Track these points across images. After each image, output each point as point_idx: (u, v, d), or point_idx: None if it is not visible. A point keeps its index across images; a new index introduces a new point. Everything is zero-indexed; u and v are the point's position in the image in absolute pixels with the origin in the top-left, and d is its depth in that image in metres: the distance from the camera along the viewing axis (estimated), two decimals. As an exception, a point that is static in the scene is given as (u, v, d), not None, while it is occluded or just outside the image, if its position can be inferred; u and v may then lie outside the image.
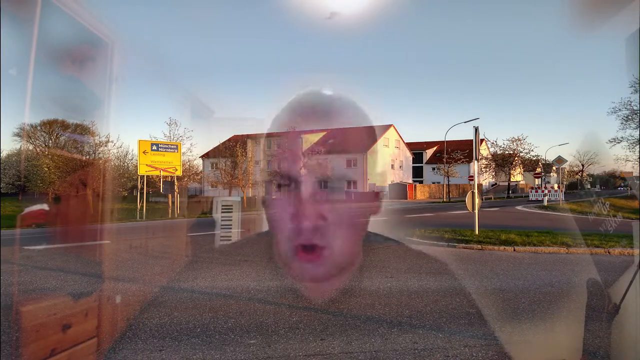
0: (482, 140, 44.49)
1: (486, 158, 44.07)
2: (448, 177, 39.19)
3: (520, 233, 10.58)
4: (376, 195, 0.80)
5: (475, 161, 11.62)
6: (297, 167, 0.71)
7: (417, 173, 55.26)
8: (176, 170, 20.64)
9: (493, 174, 45.64)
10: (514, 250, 9.07)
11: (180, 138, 24.60)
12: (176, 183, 21.03)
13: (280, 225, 0.72)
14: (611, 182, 69.56)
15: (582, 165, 50.56)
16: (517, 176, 48.80)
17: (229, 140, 30.11)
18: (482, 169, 43.47)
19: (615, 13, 1.03)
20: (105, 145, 23.91)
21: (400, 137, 48.07)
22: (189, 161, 30.41)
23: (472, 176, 13.11)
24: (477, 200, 10.95)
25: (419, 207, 25.77)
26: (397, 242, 0.94)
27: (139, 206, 19.59)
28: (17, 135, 23.19)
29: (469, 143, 36.19)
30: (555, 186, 28.27)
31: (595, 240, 9.36)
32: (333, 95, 0.78)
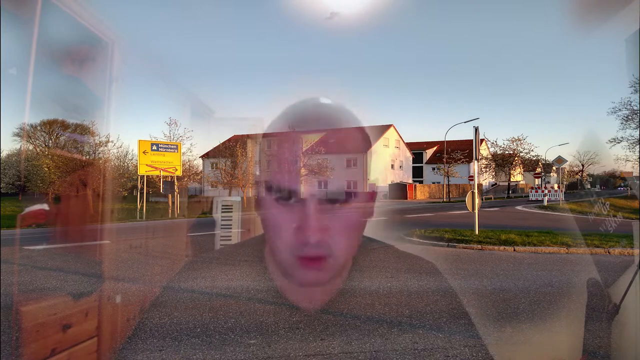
0: (482, 140, 44.49)
1: (486, 158, 44.07)
2: (448, 177, 39.18)
3: (520, 233, 10.58)
4: (371, 195, 0.77)
5: (475, 161, 11.62)
6: (295, 177, 0.70)
7: (417, 173, 55.26)
8: (176, 170, 20.63)
9: (493, 174, 45.64)
10: (514, 250, 9.07)
11: (180, 138, 24.58)
12: (176, 183, 21.03)
13: (281, 238, 0.70)
14: (611, 182, 69.54)
15: (582, 165, 50.54)
16: (517, 176, 48.79)
17: (229, 140, 30.11)
18: (482, 169, 43.46)
19: (615, 13, 1.03)
20: (105, 145, 23.86)
21: (400, 137, 48.08)
22: (189, 161, 30.40)
23: (472, 176, 13.11)
24: (477, 200, 10.95)
25: (419, 207, 25.77)
26: (382, 244, 0.93)
27: (139, 206, 19.59)
28: (17, 135, 23.18)
29: (469, 143, 36.20)
30: (555, 186, 28.25)
31: (595, 240, 9.35)
32: (330, 104, 0.77)
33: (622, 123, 32.44)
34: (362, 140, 0.77)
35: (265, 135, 0.78)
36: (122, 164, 26.29)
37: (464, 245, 9.57)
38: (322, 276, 0.71)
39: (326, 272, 0.71)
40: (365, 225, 0.76)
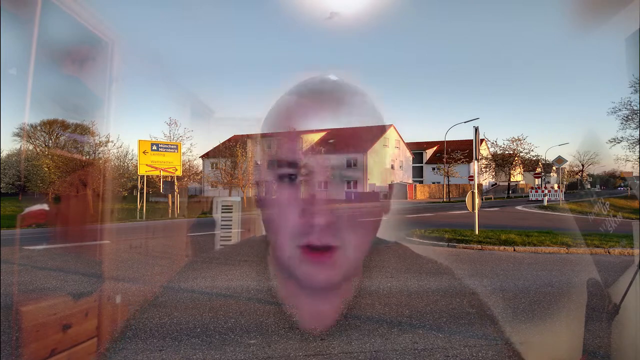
0: (482, 140, 44.49)
1: (486, 158, 44.07)
2: (448, 177, 39.18)
3: (520, 233, 10.58)
4: (377, 195, 0.77)
5: (475, 161, 11.62)
6: (297, 156, 0.66)
7: (417, 173, 55.25)
8: (176, 170, 20.64)
9: (493, 174, 45.65)
10: (514, 250, 9.07)
11: (180, 138, 24.62)
12: (176, 183, 21.03)
13: (284, 223, 0.65)
14: (611, 182, 69.58)
15: (582, 165, 50.56)
16: (517, 176, 48.79)
17: (229, 140, 30.13)
18: (482, 169, 43.46)
19: (615, 13, 1.03)
20: (105, 145, 23.87)
21: (400, 137, 48.06)
22: (189, 161, 30.42)
23: (472, 176, 13.11)
24: (477, 200, 10.95)
25: (419, 207, 25.77)
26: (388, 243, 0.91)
27: (139, 206, 19.59)
28: (17, 135, 23.19)
29: (469, 143, 36.18)
30: (555, 186, 28.26)
31: (595, 240, 9.35)
32: (339, 81, 0.75)
33: (622, 123, 32.48)
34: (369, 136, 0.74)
35: (264, 136, 0.78)
36: (122, 164, 26.30)
37: (464, 245, 9.56)
38: (330, 273, 0.65)
39: (335, 269, 0.65)
40: (379, 223, 0.72)
